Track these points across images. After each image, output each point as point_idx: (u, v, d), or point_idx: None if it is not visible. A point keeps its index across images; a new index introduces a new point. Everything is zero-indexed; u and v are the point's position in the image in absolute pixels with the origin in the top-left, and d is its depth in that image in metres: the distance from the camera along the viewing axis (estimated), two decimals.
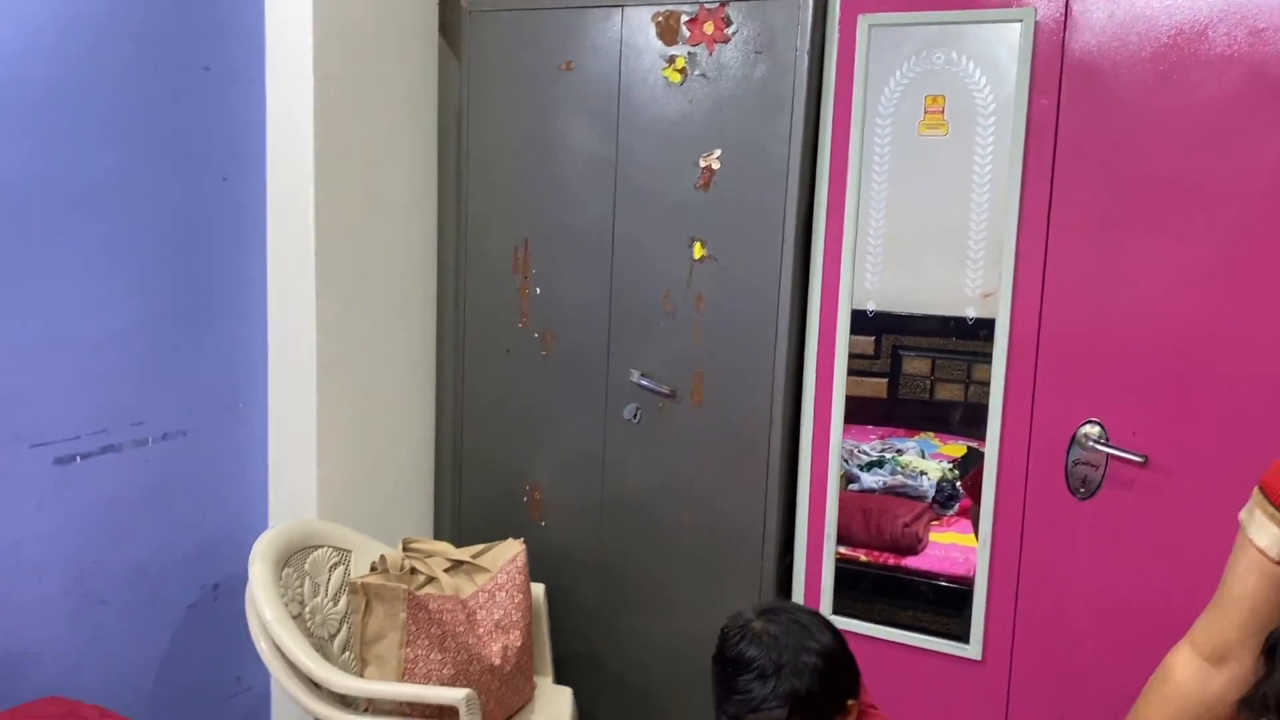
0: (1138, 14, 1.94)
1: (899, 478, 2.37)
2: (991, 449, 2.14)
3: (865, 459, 2.38)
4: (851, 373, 2.28)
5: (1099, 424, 2.04)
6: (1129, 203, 1.98)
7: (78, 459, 2.02)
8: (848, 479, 2.38)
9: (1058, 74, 2.01)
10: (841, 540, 2.33)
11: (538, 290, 2.55)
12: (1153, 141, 1.95)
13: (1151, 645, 1.99)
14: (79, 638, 2.06)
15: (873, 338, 2.27)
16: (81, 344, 2.01)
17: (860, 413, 2.31)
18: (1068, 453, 2.07)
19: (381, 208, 2.50)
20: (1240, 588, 1.28)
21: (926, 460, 2.36)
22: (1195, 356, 1.95)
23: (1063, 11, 1.99)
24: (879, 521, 2.36)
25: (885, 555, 2.34)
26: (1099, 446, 2.03)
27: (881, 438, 2.37)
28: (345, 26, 2.32)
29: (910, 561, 2.32)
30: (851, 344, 2.27)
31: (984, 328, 2.13)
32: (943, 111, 2.12)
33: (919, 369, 2.27)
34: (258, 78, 2.29)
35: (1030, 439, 2.10)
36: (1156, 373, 1.98)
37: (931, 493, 2.34)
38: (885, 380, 2.30)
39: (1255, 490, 1.29)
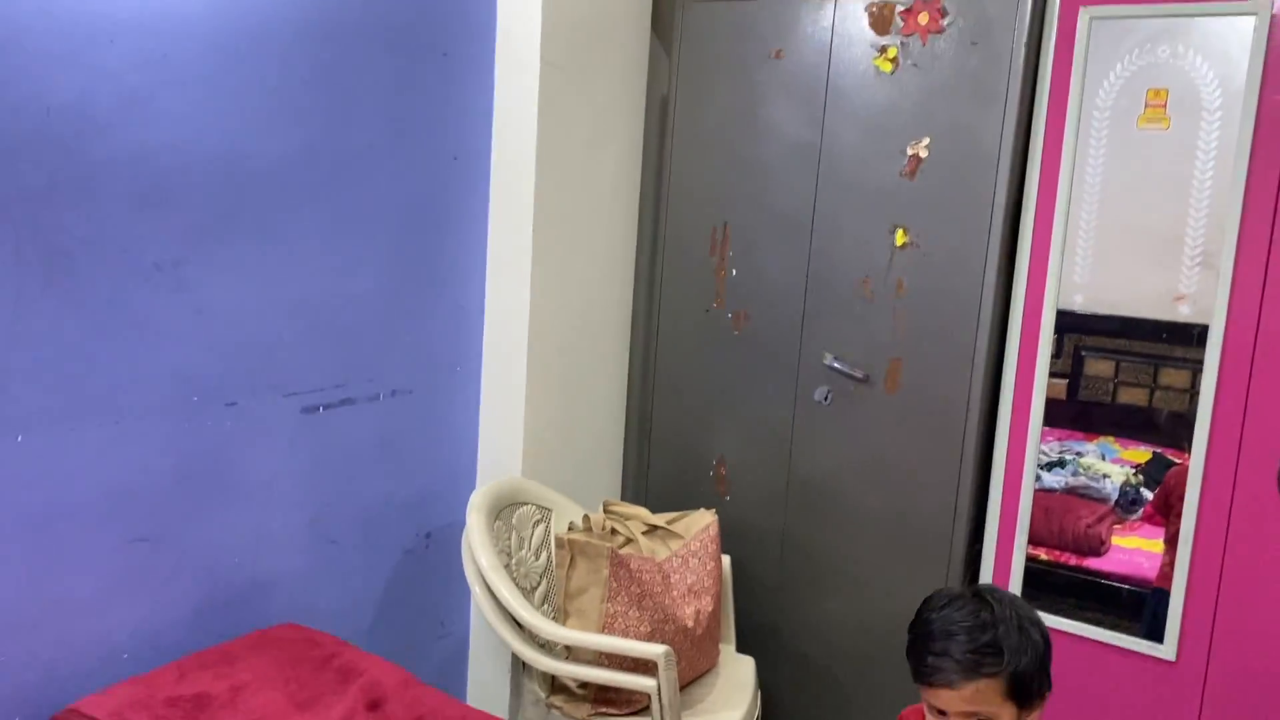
0: None
1: (1081, 479, 2.35)
2: (1198, 454, 2.10)
3: (1045, 459, 2.37)
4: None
5: None
6: None
7: (320, 409, 2.23)
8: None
9: None
10: (1030, 540, 2.34)
11: (734, 272, 2.63)
12: None
13: None
14: (313, 571, 2.27)
15: (1055, 337, 2.26)
16: (328, 305, 2.21)
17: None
18: None
19: (592, 189, 2.63)
20: None
21: (1107, 464, 2.33)
22: None
23: None
24: (1061, 520, 2.35)
25: (1066, 555, 2.33)
26: None
27: (1059, 439, 2.35)
28: (570, 18, 2.45)
29: (1092, 563, 2.30)
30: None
31: (1193, 331, 2.10)
32: (1165, 105, 2.09)
33: (1101, 371, 2.25)
34: (488, 65, 2.45)
35: (1241, 444, 2.06)
36: None
37: (1115, 496, 2.32)
38: (1065, 381, 2.29)
39: None
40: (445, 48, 2.35)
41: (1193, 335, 2.10)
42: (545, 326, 2.54)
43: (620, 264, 2.79)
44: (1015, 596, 1.52)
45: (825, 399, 2.52)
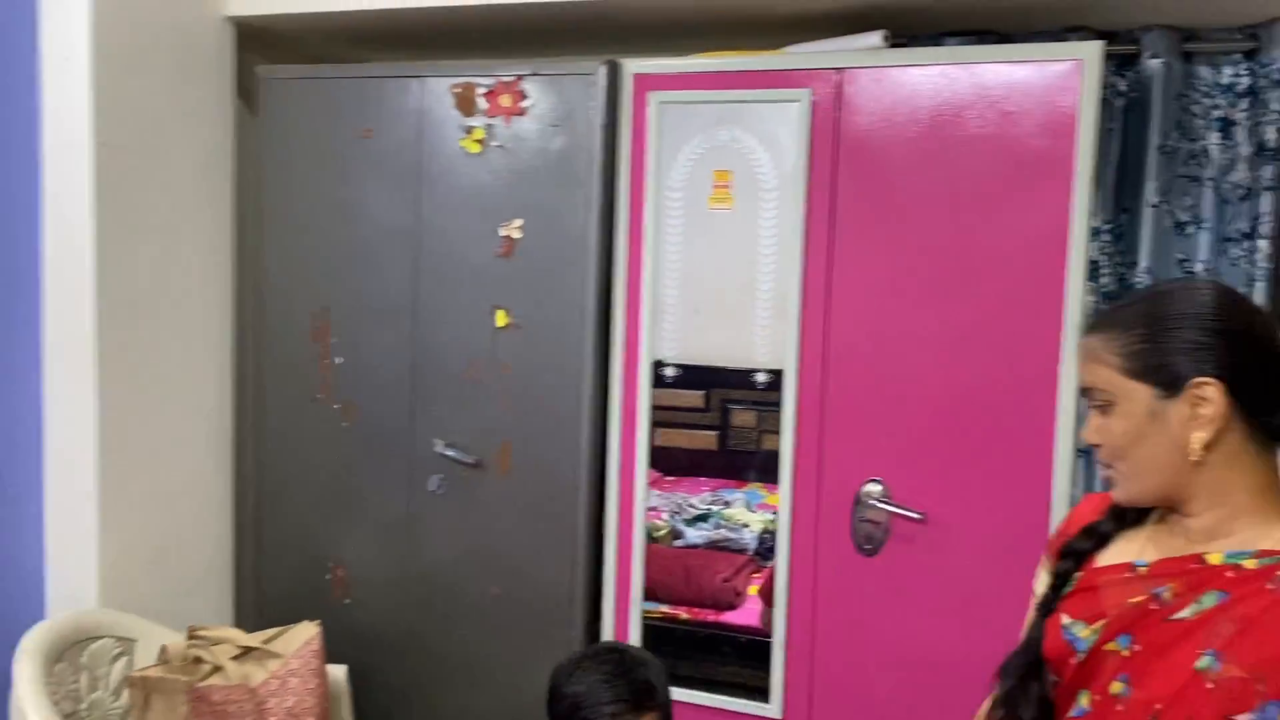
0: (902, 97, 2.07)
1: (722, 531, 2.40)
2: (784, 507, 2.20)
3: (693, 512, 2.40)
4: (683, 426, 2.33)
5: (880, 482, 2.13)
6: (902, 271, 2.09)
7: None
8: (674, 535, 2.40)
9: (833, 150, 2.12)
10: (664, 599, 2.35)
11: (339, 360, 2.50)
12: (922, 212, 2.07)
13: (942, 696, 2.09)
14: None
15: (702, 392, 2.32)
16: None
17: (692, 466, 2.36)
18: (853, 511, 2.15)
19: (172, 277, 2.41)
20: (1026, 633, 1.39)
21: (752, 512, 2.40)
22: (965, 415, 2.07)
23: (836, 93, 2.11)
24: (699, 578, 2.38)
25: (705, 612, 2.37)
26: (881, 504, 2.12)
27: (713, 489, 2.40)
28: (130, 93, 2.24)
29: (729, 617, 2.34)
30: (681, 399, 2.31)
31: (764, 382, 2.21)
32: (729, 186, 2.20)
33: (746, 421, 2.32)
34: (31, 146, 2.18)
35: (819, 498, 2.18)
36: (931, 432, 2.09)
37: (754, 545, 2.38)
38: (716, 433, 2.35)
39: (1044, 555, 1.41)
40: None
41: (775, 381, 2.22)
42: (120, 435, 2.28)
43: (214, 356, 2.57)
44: (641, 648, 1.72)
45: (440, 488, 2.43)
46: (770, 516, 2.34)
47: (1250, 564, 1.17)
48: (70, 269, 2.21)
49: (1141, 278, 2.23)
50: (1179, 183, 2.22)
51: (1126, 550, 1.29)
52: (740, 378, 2.27)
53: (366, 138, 2.42)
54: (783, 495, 2.21)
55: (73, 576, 2.26)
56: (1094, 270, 2.25)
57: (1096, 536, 1.33)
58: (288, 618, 2.41)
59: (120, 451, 2.28)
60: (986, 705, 1.39)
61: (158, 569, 2.40)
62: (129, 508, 2.31)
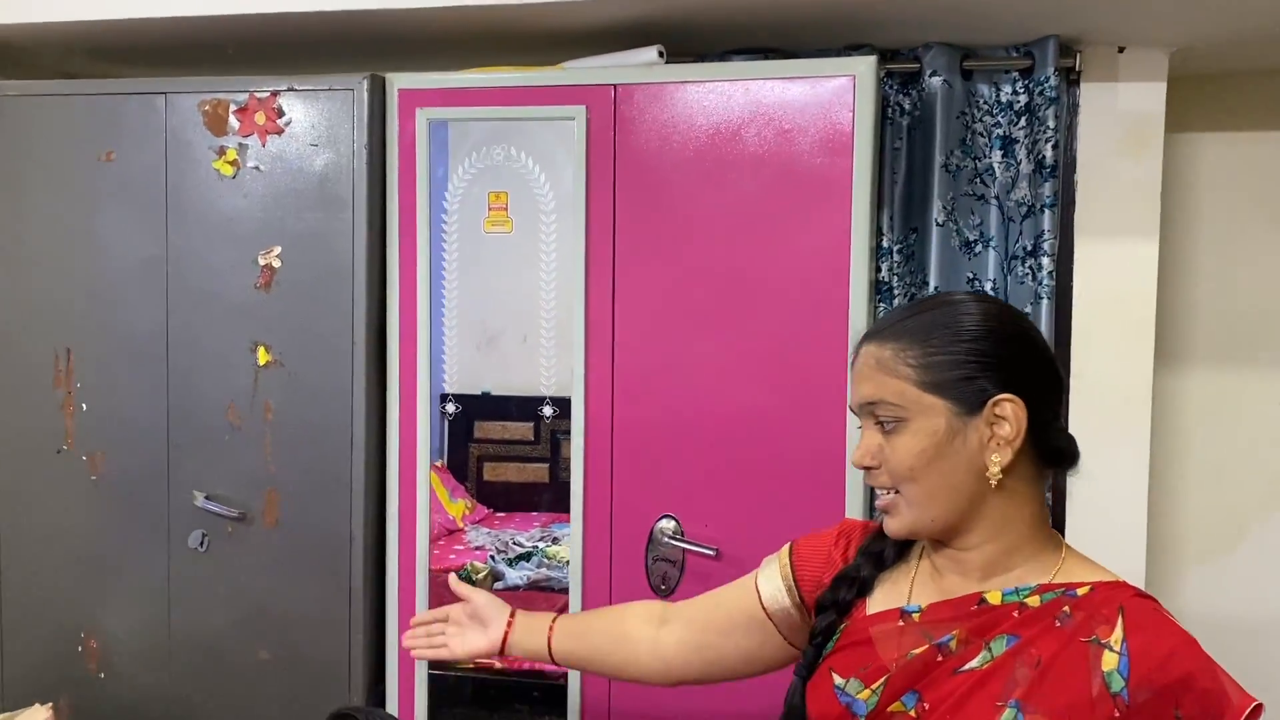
0: (678, 114, 1.98)
1: (543, 570, 2.26)
2: (575, 547, 2.07)
3: (518, 550, 2.26)
4: (511, 459, 2.23)
5: (674, 518, 2.02)
6: (687, 296, 2.00)
7: None
8: (494, 576, 2.25)
9: (612, 170, 2.01)
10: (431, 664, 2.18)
11: (84, 406, 2.24)
12: (704, 234, 1.99)
13: None
14: None
15: (532, 424, 2.20)
16: None
17: (523, 500, 2.26)
18: (647, 550, 2.03)
19: None
20: (723, 599, 1.38)
21: None
22: (754, 444, 1.98)
23: (613, 110, 2.00)
24: None
25: (520, 660, 2.21)
26: (674, 542, 2.00)
27: (544, 525, 2.28)
28: None
29: (544, 664, 2.19)
30: (511, 431, 2.22)
31: (560, 427, 2.08)
32: (506, 208, 2.07)
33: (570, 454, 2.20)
34: None
35: (612, 539, 2.05)
36: (722, 462, 2.00)
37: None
38: (547, 465, 2.23)
39: (784, 547, 1.35)
40: None
41: (563, 407, 2.09)
42: None
43: None
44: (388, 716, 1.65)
45: (202, 544, 2.19)
46: None
47: (1033, 601, 1.10)
48: None
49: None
50: (964, 201, 2.19)
51: (892, 594, 1.20)
52: (562, 405, 2.15)
53: (108, 160, 2.18)
54: (574, 535, 2.08)
55: None
56: (886, 290, 2.20)
57: (858, 583, 1.22)
58: (34, 695, 2.16)
59: None
60: None
61: None
62: None
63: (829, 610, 1.22)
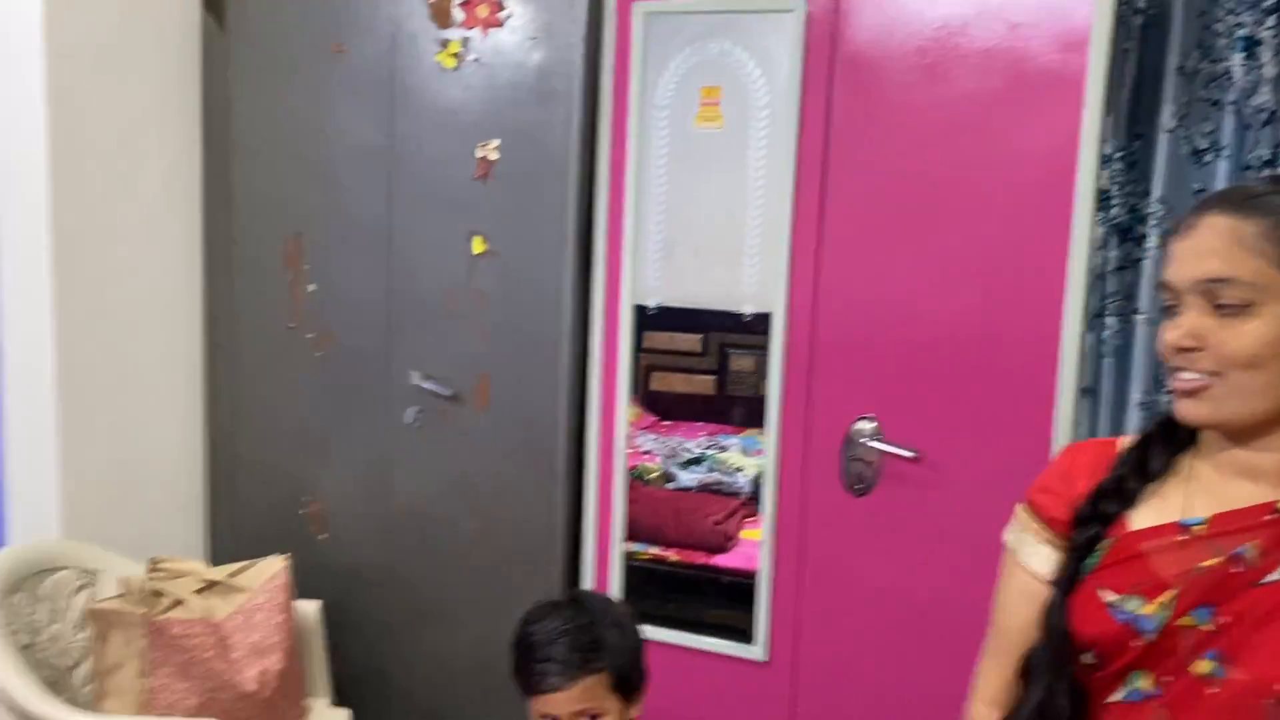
0: (903, 8, 1.93)
1: (715, 474, 2.33)
2: (771, 448, 2.12)
3: (687, 456, 2.33)
4: (679, 370, 2.27)
5: (873, 420, 2.03)
6: (900, 197, 1.98)
7: None
8: (666, 477, 2.34)
9: (829, 67, 1.99)
10: (653, 540, 2.29)
11: (312, 287, 2.40)
12: (921, 136, 1.95)
13: (929, 640, 2.01)
14: None
15: (700, 335, 2.24)
16: None
17: (687, 410, 2.30)
18: (843, 450, 2.06)
19: (136, 199, 2.31)
20: (1013, 623, 1.20)
21: (747, 457, 2.33)
22: (963, 351, 1.96)
23: (833, 4, 1.97)
24: (690, 520, 2.32)
25: (696, 554, 2.30)
26: (872, 443, 2.02)
27: (710, 434, 2.34)
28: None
29: (720, 560, 2.28)
30: (678, 342, 2.24)
31: (761, 325, 2.10)
32: (718, 104, 2.08)
33: (745, 366, 2.24)
34: None
35: (807, 437, 2.09)
36: (927, 367, 1.99)
37: (748, 489, 2.30)
38: (714, 378, 2.27)
39: (1019, 510, 1.22)
40: None
41: (762, 322, 2.11)
42: (82, 363, 2.19)
43: (183, 283, 2.47)
44: (607, 598, 1.69)
45: (417, 421, 2.34)
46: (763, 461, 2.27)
47: None
48: (23, 192, 2.10)
49: (1155, 208, 2.10)
50: (1198, 106, 2.07)
51: (1161, 509, 1.12)
52: (730, 319, 2.17)
53: (339, 53, 2.29)
54: (769, 435, 2.12)
55: (33, 506, 2.19)
56: (1104, 200, 2.12)
57: (1122, 494, 1.13)
58: (262, 552, 2.35)
59: (82, 380, 2.20)
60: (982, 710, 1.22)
61: (125, 501, 2.33)
62: (92, 437, 2.23)
63: (1090, 523, 1.13)
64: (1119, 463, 1.15)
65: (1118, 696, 1.10)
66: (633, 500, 2.28)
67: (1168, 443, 1.14)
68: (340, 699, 2.34)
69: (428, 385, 2.31)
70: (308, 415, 2.44)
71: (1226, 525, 1.05)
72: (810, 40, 1.98)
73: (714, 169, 2.09)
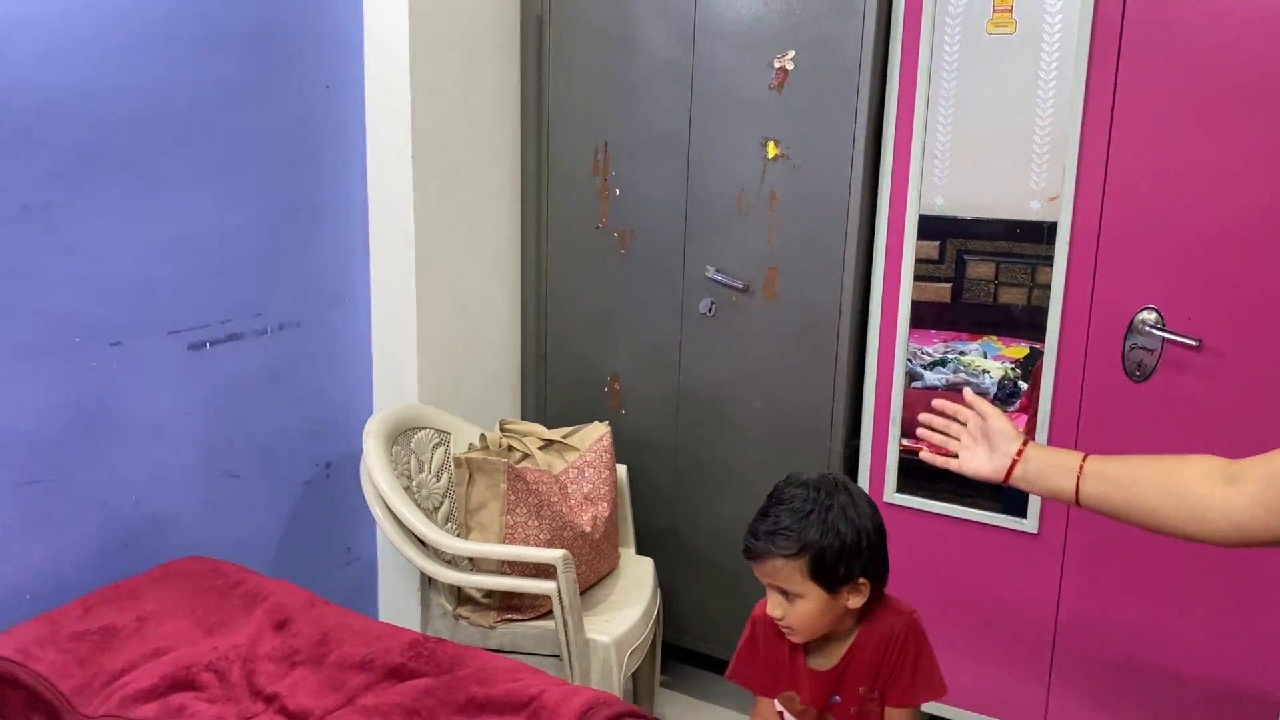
0: None
1: (961, 375, 2.48)
2: (1052, 336, 2.25)
3: (928, 358, 2.47)
4: (916, 278, 2.38)
5: (1156, 310, 2.15)
6: (1192, 97, 2.05)
7: (207, 345, 2.23)
8: (911, 377, 2.50)
9: None
10: (902, 434, 2.47)
11: (617, 191, 2.69)
12: (1216, 34, 2.01)
13: None
14: (213, 505, 2.30)
15: (937, 243, 2.36)
16: (207, 241, 2.20)
17: (923, 317, 2.41)
18: (1125, 339, 2.18)
19: (471, 113, 2.65)
20: None
21: (989, 360, 2.47)
22: (1249, 244, 2.04)
23: None
24: None
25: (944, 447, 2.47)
26: (1155, 331, 2.14)
27: (945, 341, 2.45)
28: None
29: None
30: (916, 249, 2.37)
31: (1047, 228, 2.22)
32: (1011, 10, 2.19)
33: (983, 273, 2.35)
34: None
35: (1089, 324, 2.21)
36: (1212, 260, 2.07)
37: (994, 389, 2.45)
38: (949, 285, 2.38)
39: None
40: None
41: (1044, 231, 2.23)
42: (433, 254, 2.57)
43: (506, 187, 2.82)
44: (854, 490, 1.67)
45: (709, 310, 2.61)
46: (1009, 365, 2.39)
47: None
48: (389, 105, 2.47)
49: None
50: None
51: None
52: (986, 227, 2.27)
53: None
54: (1051, 324, 2.25)
55: (396, 377, 2.61)
56: None
57: None
58: (573, 421, 2.70)
59: (432, 266, 2.58)
60: None
61: (461, 373, 2.73)
62: (439, 319, 2.62)
63: None
64: None
65: None
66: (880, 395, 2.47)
67: None
68: (640, 550, 2.69)
69: (720, 278, 2.57)
70: (611, 305, 2.76)
71: None
72: None
73: (1005, 74, 2.21)
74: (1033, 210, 2.23)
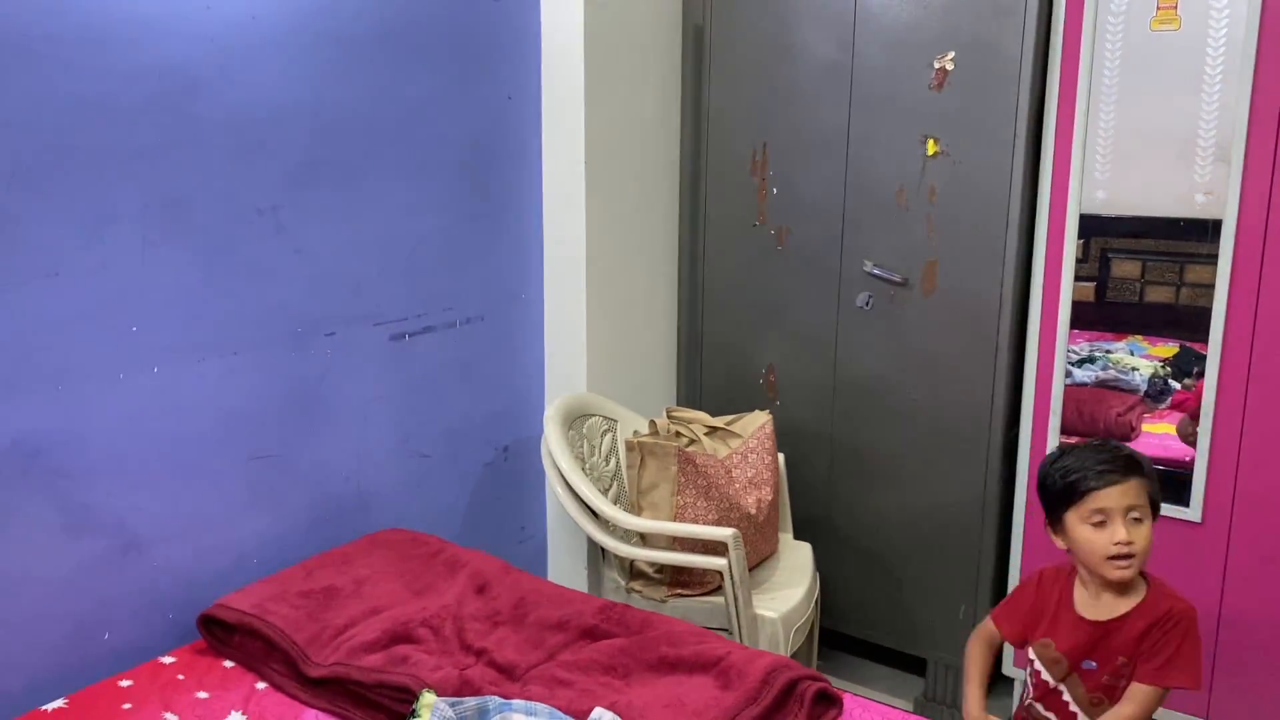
0: None
1: (1111, 372, 2.49)
2: (1215, 338, 2.25)
3: (1075, 356, 2.49)
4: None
5: None
6: None
7: (406, 337, 2.44)
8: (1064, 374, 2.53)
9: None
10: (1063, 429, 2.50)
11: (774, 190, 2.80)
12: None
13: None
14: (408, 483, 2.51)
15: (1081, 241, 2.39)
16: (405, 240, 2.41)
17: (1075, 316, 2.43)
18: None
19: (636, 119, 2.81)
20: None
21: (1136, 358, 2.49)
22: None
23: None
24: (1093, 411, 2.50)
25: None
26: None
27: (1089, 340, 2.48)
28: None
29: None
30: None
31: (1211, 225, 2.23)
32: (1175, 6, 2.22)
33: (1129, 272, 2.38)
34: (534, 6, 2.61)
35: (1255, 327, 2.22)
36: None
37: (1144, 387, 2.47)
38: (1093, 285, 2.41)
39: None
40: None
41: (1208, 229, 2.24)
42: (600, 252, 2.74)
43: (666, 188, 2.97)
44: None
45: (867, 304, 2.70)
46: (1158, 364, 2.40)
47: None
48: (564, 115, 2.65)
49: None
50: None
51: None
52: (1133, 225, 2.28)
53: None
54: (1215, 326, 2.26)
55: (566, 366, 2.78)
56: None
57: None
58: (735, 410, 2.82)
59: (600, 264, 2.74)
60: None
61: (625, 365, 2.89)
62: (605, 314, 2.79)
63: None
64: None
65: None
66: None
67: None
68: (798, 535, 2.80)
69: (878, 272, 2.66)
70: (767, 300, 2.87)
71: None
72: None
73: (1169, 71, 2.24)
74: (1197, 205, 2.25)
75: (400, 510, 2.49)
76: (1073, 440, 2.46)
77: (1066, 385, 2.50)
